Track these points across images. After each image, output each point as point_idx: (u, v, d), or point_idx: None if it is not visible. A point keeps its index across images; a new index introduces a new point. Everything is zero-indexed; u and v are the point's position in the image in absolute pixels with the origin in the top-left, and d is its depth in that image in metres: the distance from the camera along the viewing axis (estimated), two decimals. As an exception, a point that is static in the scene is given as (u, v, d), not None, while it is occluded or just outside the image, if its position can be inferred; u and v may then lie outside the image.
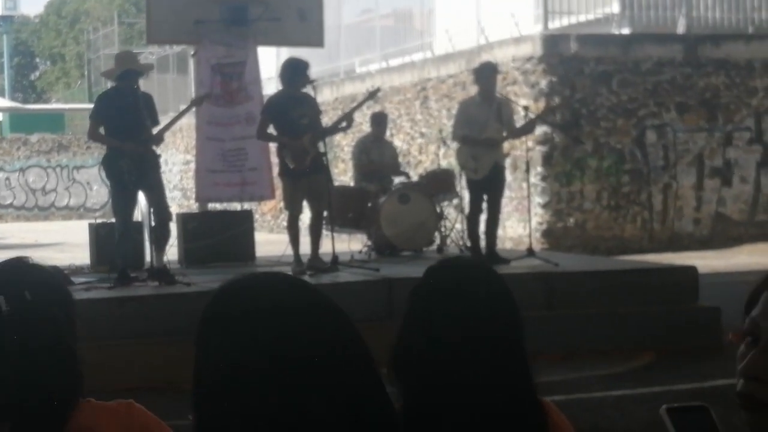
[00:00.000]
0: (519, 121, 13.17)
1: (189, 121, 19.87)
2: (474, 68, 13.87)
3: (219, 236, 13.22)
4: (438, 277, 2.63)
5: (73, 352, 2.54)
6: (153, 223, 11.22)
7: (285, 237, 12.94)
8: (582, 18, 21.45)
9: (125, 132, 11.01)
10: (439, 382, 2.46)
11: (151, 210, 11.25)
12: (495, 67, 13.08)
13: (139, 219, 12.45)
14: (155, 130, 11.42)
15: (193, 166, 17.15)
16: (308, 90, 12.31)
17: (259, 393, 1.67)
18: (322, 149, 12.05)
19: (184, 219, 13.80)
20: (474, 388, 2.46)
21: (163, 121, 12.13)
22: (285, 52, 18.91)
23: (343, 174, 23.99)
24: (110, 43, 43.60)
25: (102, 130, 11.47)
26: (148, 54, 35.66)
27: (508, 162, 15.28)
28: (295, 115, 12.03)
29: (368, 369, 1.76)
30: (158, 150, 11.54)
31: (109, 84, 11.95)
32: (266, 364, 1.68)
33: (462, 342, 2.48)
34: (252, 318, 1.73)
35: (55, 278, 2.71)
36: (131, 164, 10.91)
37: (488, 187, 12.53)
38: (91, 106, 12.22)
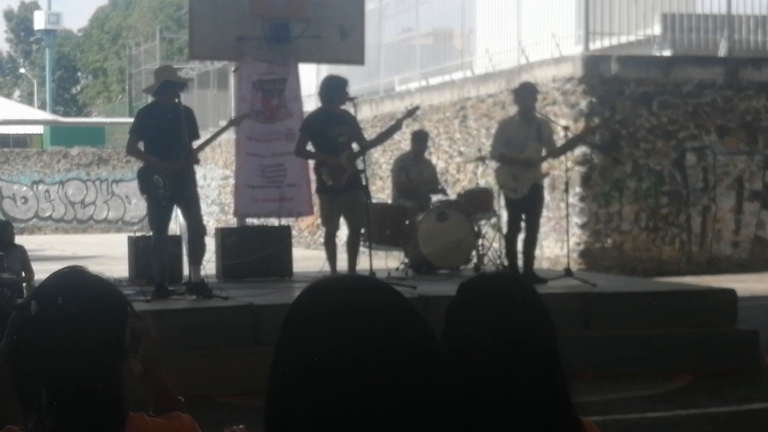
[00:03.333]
0: (559, 142, 13.15)
1: (228, 136, 19.91)
2: (513, 88, 13.85)
3: (257, 251, 13.22)
4: (473, 290, 2.63)
5: (111, 361, 2.58)
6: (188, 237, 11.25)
7: (322, 253, 12.97)
8: (623, 39, 21.39)
9: (164, 147, 10.99)
10: (476, 395, 2.45)
11: (186, 224, 11.27)
12: (534, 87, 13.09)
13: (177, 233, 12.47)
14: (194, 145, 11.42)
15: (231, 181, 17.21)
16: (348, 107, 12.35)
17: (337, 387, 1.74)
18: (360, 166, 12.07)
19: (223, 234, 13.83)
20: (512, 402, 2.45)
21: (203, 136, 12.16)
22: (325, 70, 18.97)
23: (381, 191, 24.01)
24: (152, 58, 43.85)
25: (141, 145, 11.47)
26: (189, 69, 35.92)
27: (546, 182, 15.24)
28: (332, 133, 12.08)
29: (441, 366, 1.84)
30: (195, 165, 11.52)
31: (150, 99, 11.93)
32: (347, 360, 1.75)
33: (499, 354, 2.47)
34: (335, 315, 1.80)
35: (105, 289, 2.75)
36: (165, 179, 10.93)
37: (527, 206, 12.51)
38: (132, 120, 12.23)
